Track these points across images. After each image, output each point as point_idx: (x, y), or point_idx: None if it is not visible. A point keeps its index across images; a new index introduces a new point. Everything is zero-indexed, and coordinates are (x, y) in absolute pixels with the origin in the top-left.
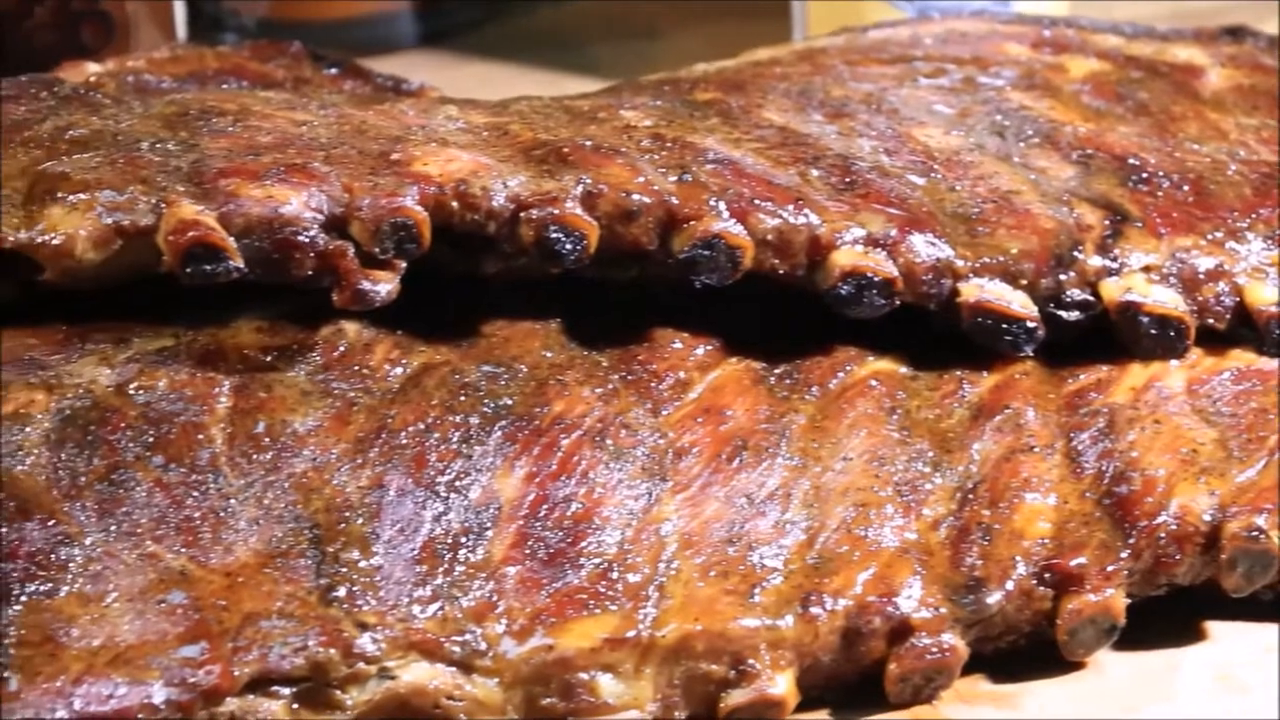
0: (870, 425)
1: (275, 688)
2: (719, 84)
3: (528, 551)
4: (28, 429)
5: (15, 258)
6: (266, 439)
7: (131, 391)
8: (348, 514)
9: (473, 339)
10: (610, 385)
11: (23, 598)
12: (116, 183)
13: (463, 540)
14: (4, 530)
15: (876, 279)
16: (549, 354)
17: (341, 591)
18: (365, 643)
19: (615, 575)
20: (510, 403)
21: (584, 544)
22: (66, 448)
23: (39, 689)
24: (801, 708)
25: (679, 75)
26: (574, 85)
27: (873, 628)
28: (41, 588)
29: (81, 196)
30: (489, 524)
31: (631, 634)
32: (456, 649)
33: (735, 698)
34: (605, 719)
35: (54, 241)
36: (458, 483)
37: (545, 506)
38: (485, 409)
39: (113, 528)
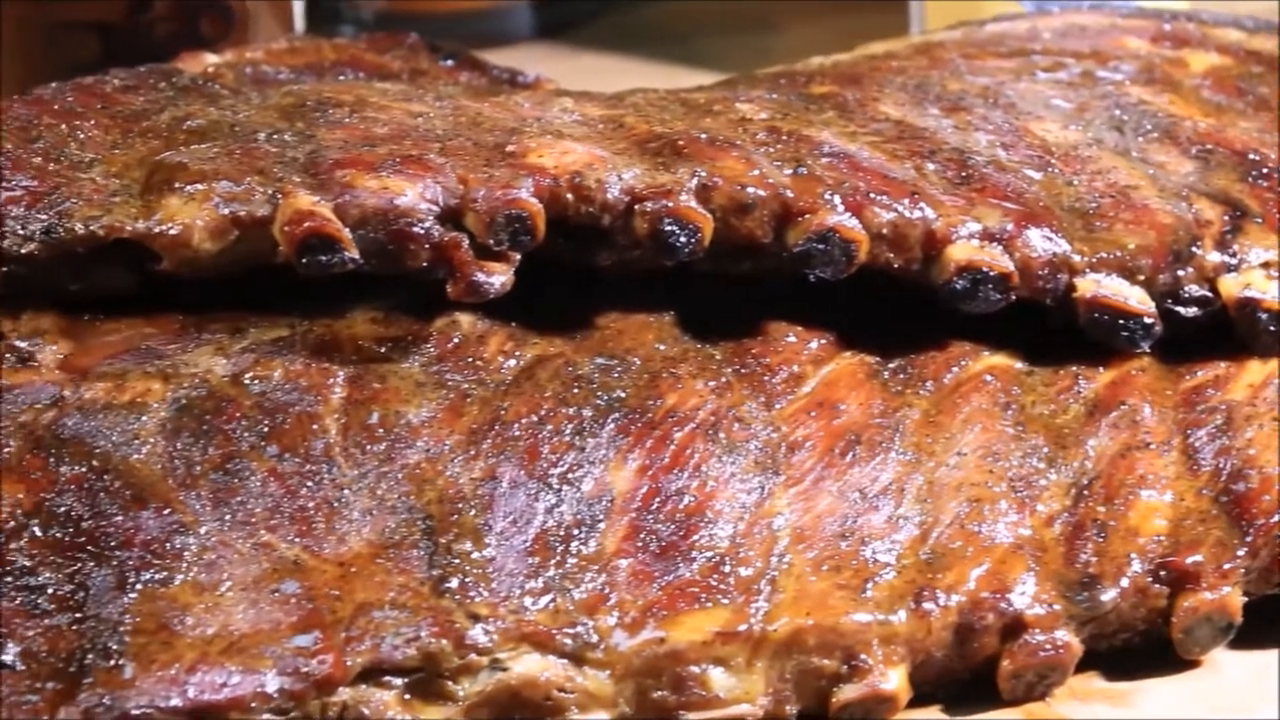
0: (985, 420)
1: (387, 678)
2: (835, 78)
3: (640, 544)
4: (144, 418)
5: (133, 247)
6: (380, 430)
7: (247, 381)
8: (460, 505)
9: (586, 331)
10: (723, 378)
11: (138, 586)
12: (233, 173)
13: (575, 532)
14: (120, 518)
15: (992, 274)
16: (662, 347)
17: (454, 583)
18: (477, 634)
19: (727, 569)
20: (623, 395)
21: (696, 537)
22: (182, 437)
23: (153, 677)
24: (913, 704)
25: (795, 69)
26: (689, 78)
27: (986, 624)
28: (156, 576)
29: (199, 187)
30: (601, 516)
31: (743, 628)
32: (568, 641)
33: (847, 693)
34: (716, 713)
35: (171, 231)
36: (570, 475)
37: (657, 499)
38: (598, 401)
39: (227, 517)
